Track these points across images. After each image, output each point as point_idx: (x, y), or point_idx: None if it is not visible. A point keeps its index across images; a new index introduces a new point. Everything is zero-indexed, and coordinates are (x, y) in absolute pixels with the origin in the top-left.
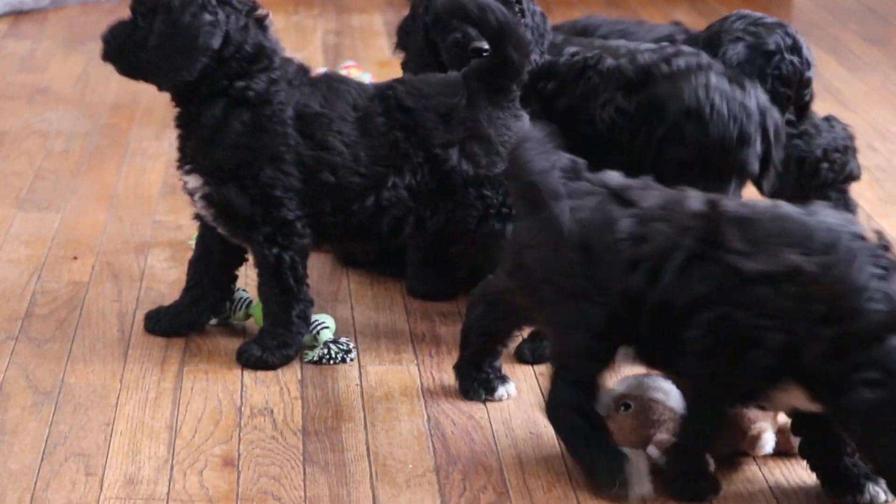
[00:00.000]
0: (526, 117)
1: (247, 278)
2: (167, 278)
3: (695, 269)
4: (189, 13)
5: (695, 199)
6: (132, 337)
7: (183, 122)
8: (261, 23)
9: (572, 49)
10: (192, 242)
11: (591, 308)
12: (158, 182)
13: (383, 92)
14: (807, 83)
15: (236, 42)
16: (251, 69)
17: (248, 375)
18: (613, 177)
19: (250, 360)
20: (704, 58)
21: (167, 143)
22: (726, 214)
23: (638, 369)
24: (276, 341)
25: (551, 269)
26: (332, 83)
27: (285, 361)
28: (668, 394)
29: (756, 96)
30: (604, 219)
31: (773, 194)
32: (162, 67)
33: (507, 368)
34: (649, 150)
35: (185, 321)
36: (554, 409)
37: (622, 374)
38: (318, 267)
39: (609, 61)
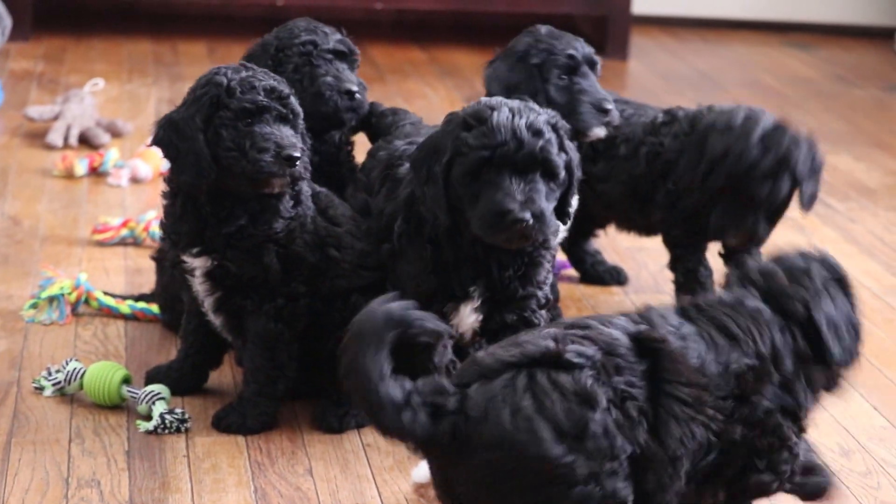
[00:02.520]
0: None
1: (75, 349)
2: None
3: None
4: None
5: None
6: None
7: (207, 213)
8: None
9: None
10: (24, 313)
11: None
12: None
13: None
14: None
15: None
16: None
17: (76, 447)
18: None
19: (231, 426)
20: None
21: None
22: None
23: None
24: (258, 410)
25: None
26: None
27: (264, 427)
28: None
29: None
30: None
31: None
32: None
33: (326, 439)
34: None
35: (188, 385)
36: None
37: None
38: (146, 337)
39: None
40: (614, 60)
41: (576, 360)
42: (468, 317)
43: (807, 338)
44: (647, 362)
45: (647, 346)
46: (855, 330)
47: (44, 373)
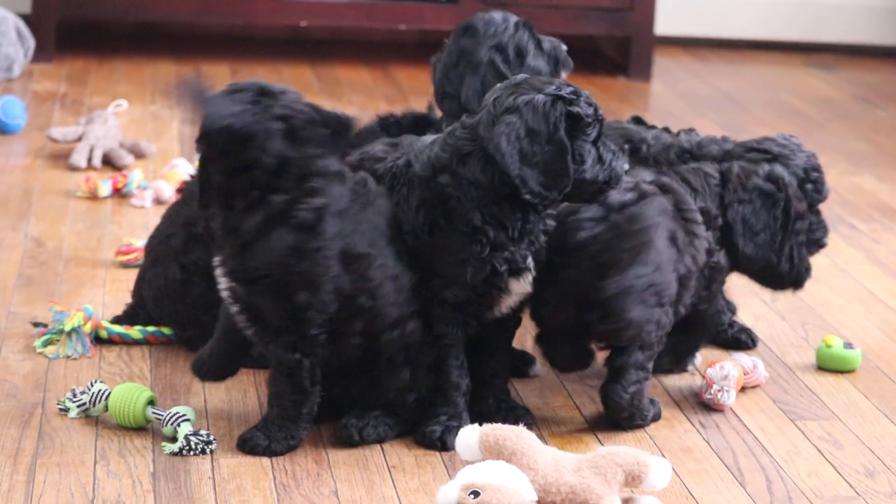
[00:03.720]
0: None
1: (100, 370)
2: (21, 370)
3: None
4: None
5: None
6: None
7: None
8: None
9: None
10: (39, 350)
11: None
12: (14, 273)
13: None
14: None
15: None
16: (290, 185)
17: (101, 468)
18: None
19: (256, 448)
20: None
21: (23, 233)
22: None
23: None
24: (284, 433)
25: None
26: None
27: (289, 450)
28: (516, 479)
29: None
30: None
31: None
32: None
33: (352, 460)
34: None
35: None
36: None
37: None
38: (170, 359)
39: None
40: (637, 81)
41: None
42: (523, 289)
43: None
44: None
45: (666, 189)
46: (765, 237)
47: (69, 394)
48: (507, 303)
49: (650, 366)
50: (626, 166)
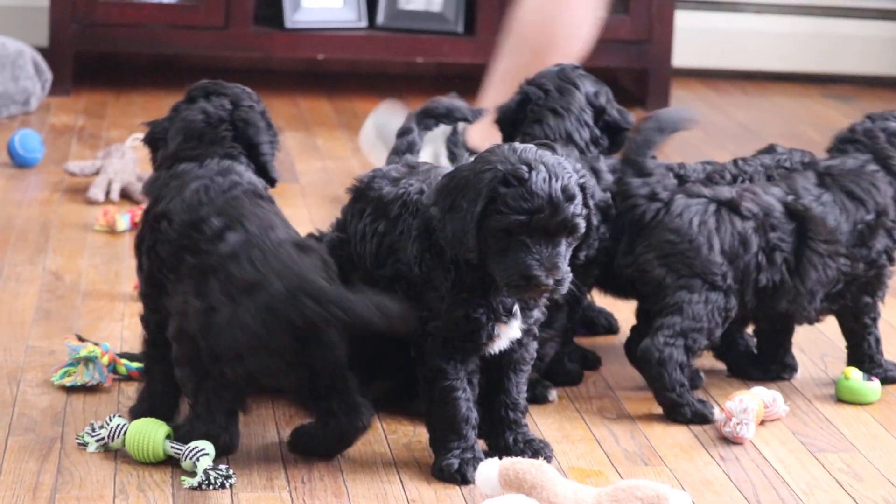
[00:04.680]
0: None
1: (119, 405)
2: (40, 404)
3: None
4: None
5: None
6: (4, 463)
7: None
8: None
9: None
10: (57, 382)
11: None
12: (32, 307)
13: None
14: None
15: None
16: None
17: (120, 503)
18: None
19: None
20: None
21: (41, 267)
22: None
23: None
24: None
25: None
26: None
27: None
28: None
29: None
30: None
31: None
32: None
33: (371, 494)
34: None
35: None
36: None
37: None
38: None
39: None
40: None
41: (745, 213)
42: (511, 333)
43: None
44: (794, 223)
45: (794, 211)
46: None
47: (87, 428)
48: (496, 345)
49: (694, 341)
50: (550, 282)
